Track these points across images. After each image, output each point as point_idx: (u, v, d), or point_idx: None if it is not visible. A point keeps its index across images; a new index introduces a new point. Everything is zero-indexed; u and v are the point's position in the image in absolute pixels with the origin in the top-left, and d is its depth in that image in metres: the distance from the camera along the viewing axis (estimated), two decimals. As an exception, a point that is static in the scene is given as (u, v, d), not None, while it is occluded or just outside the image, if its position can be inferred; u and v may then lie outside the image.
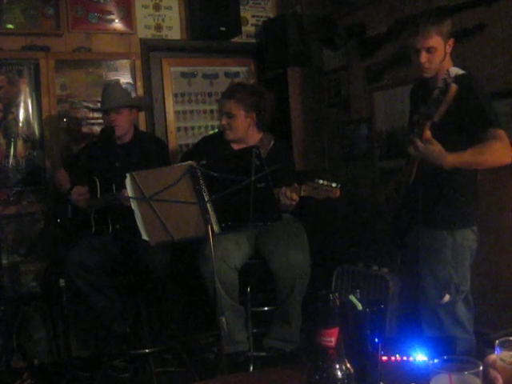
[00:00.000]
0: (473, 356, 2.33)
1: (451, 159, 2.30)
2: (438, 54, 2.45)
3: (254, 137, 3.23)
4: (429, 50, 2.44)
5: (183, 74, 4.47)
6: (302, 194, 2.68)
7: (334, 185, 2.58)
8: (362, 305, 1.39)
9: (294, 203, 2.73)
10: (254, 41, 4.58)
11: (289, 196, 2.69)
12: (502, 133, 2.34)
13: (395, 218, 2.72)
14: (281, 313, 3.11)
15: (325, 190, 2.60)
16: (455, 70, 2.44)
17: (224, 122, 3.16)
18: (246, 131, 3.18)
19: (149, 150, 3.38)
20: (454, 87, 2.35)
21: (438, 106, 2.39)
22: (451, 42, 2.47)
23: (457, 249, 2.47)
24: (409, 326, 2.72)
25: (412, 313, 2.66)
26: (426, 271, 2.53)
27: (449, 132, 2.40)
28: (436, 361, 1.04)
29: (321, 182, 2.60)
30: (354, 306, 1.39)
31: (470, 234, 2.51)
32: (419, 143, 2.35)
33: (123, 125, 3.33)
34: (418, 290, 2.59)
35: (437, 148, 2.32)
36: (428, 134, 2.35)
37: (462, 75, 2.41)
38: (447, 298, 2.46)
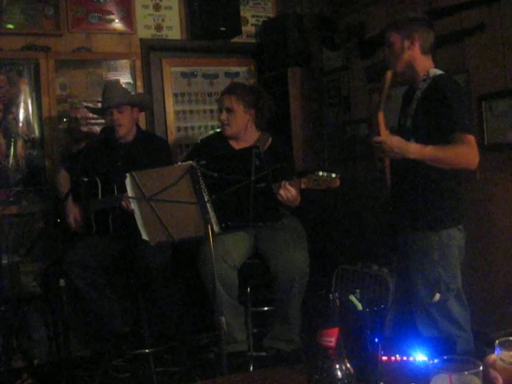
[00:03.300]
0: (471, 354, 2.35)
1: (414, 148, 2.39)
2: (394, 49, 2.60)
3: (253, 135, 3.25)
4: (388, 44, 2.63)
5: (183, 74, 4.47)
6: (303, 186, 2.69)
7: (333, 175, 2.59)
8: (362, 305, 1.39)
9: (294, 197, 2.73)
10: (254, 41, 4.58)
11: (289, 189, 2.70)
12: (469, 138, 2.37)
13: (386, 220, 2.77)
14: (280, 313, 3.12)
15: (325, 181, 2.61)
16: (434, 71, 2.55)
17: (223, 117, 3.20)
18: (244, 127, 3.21)
19: (151, 150, 3.37)
20: (388, 73, 2.60)
21: (381, 93, 2.61)
22: (416, 42, 2.56)
23: (443, 248, 2.49)
24: (405, 325, 2.73)
25: (407, 312, 2.68)
26: (416, 271, 2.56)
27: (421, 133, 2.47)
28: (436, 361, 1.04)
29: (320, 173, 2.61)
30: (354, 306, 1.39)
31: (456, 232, 2.53)
32: (379, 138, 2.47)
33: (126, 124, 3.32)
34: (410, 290, 2.62)
35: (395, 138, 2.43)
36: (381, 118, 2.52)
37: (440, 75, 2.48)
38: (437, 296, 2.49)
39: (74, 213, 3.25)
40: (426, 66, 2.57)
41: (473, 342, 2.54)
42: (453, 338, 2.49)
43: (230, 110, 3.18)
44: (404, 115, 2.67)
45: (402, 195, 2.63)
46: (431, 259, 2.49)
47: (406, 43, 2.56)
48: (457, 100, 2.41)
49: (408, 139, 2.47)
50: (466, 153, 2.37)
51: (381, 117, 2.58)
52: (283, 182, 2.73)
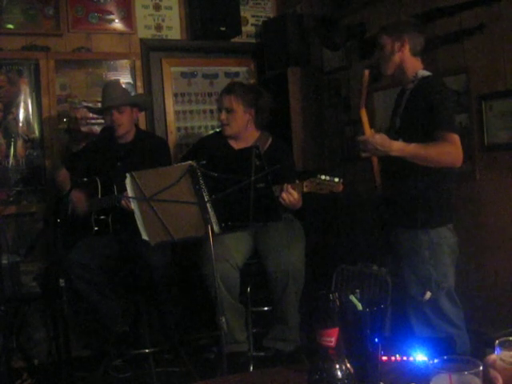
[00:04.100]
0: (467, 352, 2.37)
1: (397, 146, 2.43)
2: (385, 51, 2.67)
3: (252, 134, 3.24)
4: (379, 47, 2.70)
5: (183, 74, 4.47)
6: (305, 189, 2.69)
7: (336, 179, 2.60)
8: (362, 305, 1.39)
9: (297, 200, 2.73)
10: (254, 41, 4.59)
11: (291, 192, 2.70)
12: (453, 136, 2.40)
13: (377, 219, 2.81)
14: (278, 313, 3.12)
15: (327, 185, 2.61)
16: (422, 72, 2.64)
17: (223, 116, 3.19)
18: (244, 127, 3.20)
19: (151, 150, 3.38)
20: (365, 72, 2.69)
21: (360, 92, 2.68)
22: (405, 43, 2.63)
23: (433, 247, 2.52)
24: (401, 325, 2.74)
25: (402, 312, 2.69)
26: (408, 270, 2.60)
27: (408, 133, 2.51)
28: (436, 361, 1.04)
29: (323, 177, 2.61)
30: (354, 306, 1.39)
31: (446, 232, 2.56)
32: (362, 137, 2.52)
33: (125, 124, 3.32)
34: (403, 289, 2.66)
35: (378, 136, 2.47)
36: (364, 116, 2.59)
37: (427, 76, 2.55)
38: (428, 295, 2.52)
39: (78, 195, 3.24)
40: (416, 68, 2.63)
41: (468, 340, 2.56)
42: (453, 338, 2.50)
43: (229, 110, 3.17)
44: (394, 116, 2.73)
45: (392, 194, 2.67)
46: (422, 258, 2.53)
47: (397, 45, 2.63)
48: (442, 99, 2.46)
49: (396, 139, 2.50)
50: (448, 151, 2.41)
51: (363, 115, 2.64)
52: (285, 185, 2.72)
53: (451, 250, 2.56)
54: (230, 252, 2.97)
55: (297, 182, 2.74)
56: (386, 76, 2.77)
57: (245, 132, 3.22)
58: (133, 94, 3.99)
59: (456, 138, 2.40)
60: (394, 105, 2.80)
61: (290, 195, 2.71)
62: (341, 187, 2.61)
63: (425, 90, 2.51)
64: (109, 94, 3.33)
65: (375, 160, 2.71)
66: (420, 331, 2.54)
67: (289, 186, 2.72)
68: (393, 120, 2.74)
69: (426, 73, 2.61)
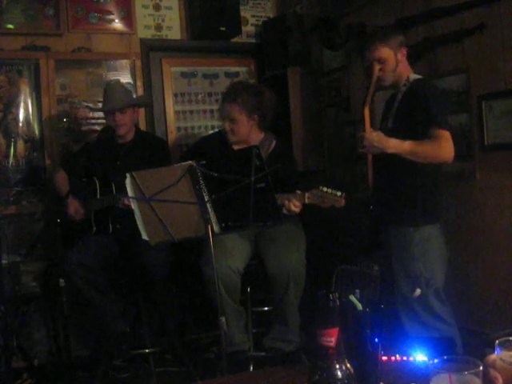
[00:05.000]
0: (458, 347, 2.38)
1: (393, 143, 2.48)
2: (388, 63, 2.67)
3: (256, 137, 3.22)
4: (379, 61, 2.67)
5: (183, 74, 4.47)
6: (307, 201, 2.70)
7: (338, 193, 2.61)
8: (362, 305, 1.39)
9: (299, 209, 2.75)
10: (254, 41, 4.58)
11: (295, 203, 2.71)
12: (445, 133, 2.46)
13: (368, 219, 2.85)
14: (278, 313, 3.12)
15: (329, 199, 2.63)
16: (414, 76, 2.70)
17: (227, 127, 3.14)
18: (249, 133, 3.18)
19: (150, 150, 3.39)
20: (376, 66, 2.67)
21: (368, 88, 2.71)
22: (404, 50, 2.68)
23: (423, 245, 2.56)
24: (396, 323, 2.75)
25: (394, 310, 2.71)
26: (398, 267, 2.64)
27: (401, 132, 2.54)
28: (436, 361, 1.04)
29: (325, 189, 2.63)
30: (354, 306, 1.39)
31: (435, 230, 2.60)
32: (362, 134, 2.55)
33: (127, 123, 3.35)
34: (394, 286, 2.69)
35: (375, 133, 2.52)
36: (367, 114, 2.62)
37: (419, 79, 2.61)
38: (418, 292, 2.55)
39: (74, 204, 3.25)
40: (408, 71, 2.70)
41: (459, 336, 2.59)
42: (453, 339, 2.51)
43: (232, 121, 3.12)
44: (385, 118, 2.78)
45: (384, 192, 2.70)
46: (412, 255, 2.56)
47: (399, 56, 2.67)
48: (433, 98, 2.51)
49: None
50: (441, 147, 2.46)
51: (366, 112, 2.66)
52: (287, 195, 2.73)
53: (440, 249, 2.61)
54: (231, 256, 2.96)
55: (299, 192, 2.74)
56: (386, 86, 2.79)
57: (248, 136, 3.20)
58: (133, 94, 4.00)
59: (448, 134, 2.46)
60: (385, 108, 2.86)
61: (297, 208, 2.74)
62: (343, 202, 2.63)
63: (417, 91, 2.56)
64: (111, 96, 3.33)
65: (370, 158, 2.74)
66: (411, 329, 2.58)
67: (291, 196, 2.72)
68: (383, 122, 2.79)
69: (418, 76, 2.68)
